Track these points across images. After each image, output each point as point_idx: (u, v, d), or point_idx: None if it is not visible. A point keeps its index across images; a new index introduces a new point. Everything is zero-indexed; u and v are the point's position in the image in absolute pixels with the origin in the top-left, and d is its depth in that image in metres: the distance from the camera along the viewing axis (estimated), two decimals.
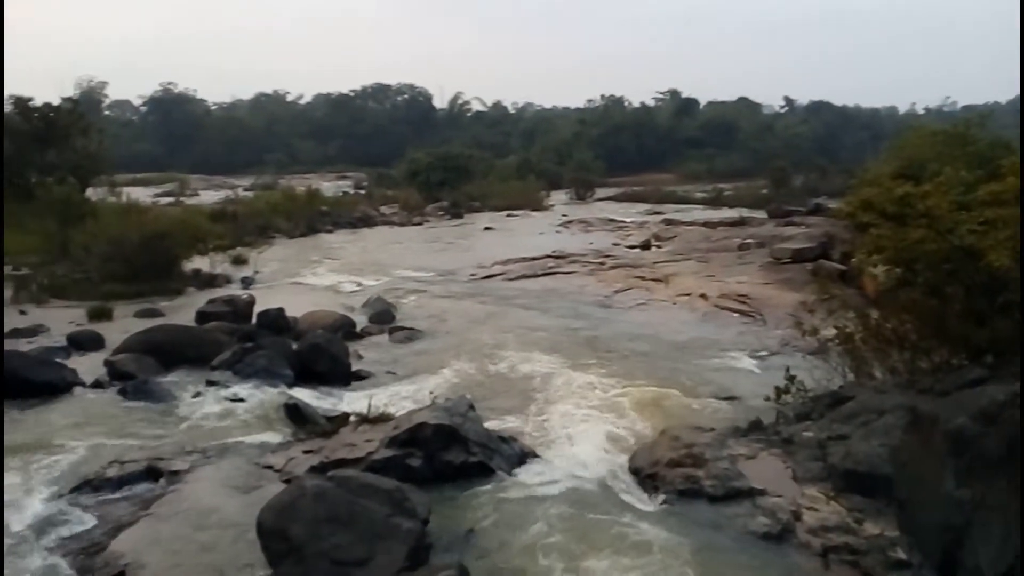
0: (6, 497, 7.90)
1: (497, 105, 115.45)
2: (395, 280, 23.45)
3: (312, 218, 38.31)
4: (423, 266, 25.91)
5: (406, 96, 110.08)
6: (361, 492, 6.45)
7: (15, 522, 7.49)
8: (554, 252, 26.92)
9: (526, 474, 8.60)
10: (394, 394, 11.80)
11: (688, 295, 19.13)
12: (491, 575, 6.40)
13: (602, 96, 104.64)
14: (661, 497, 7.92)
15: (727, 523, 7.29)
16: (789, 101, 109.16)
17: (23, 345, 14.65)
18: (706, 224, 34.41)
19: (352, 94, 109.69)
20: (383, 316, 17.62)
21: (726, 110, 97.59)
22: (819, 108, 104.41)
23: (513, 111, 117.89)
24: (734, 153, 79.36)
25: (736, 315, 17.31)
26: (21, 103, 34.87)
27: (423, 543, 6.35)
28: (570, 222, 40.26)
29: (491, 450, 8.69)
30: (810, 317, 10.93)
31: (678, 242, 29.74)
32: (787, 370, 10.03)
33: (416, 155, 57.43)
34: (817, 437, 8.45)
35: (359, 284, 22.83)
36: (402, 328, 16.51)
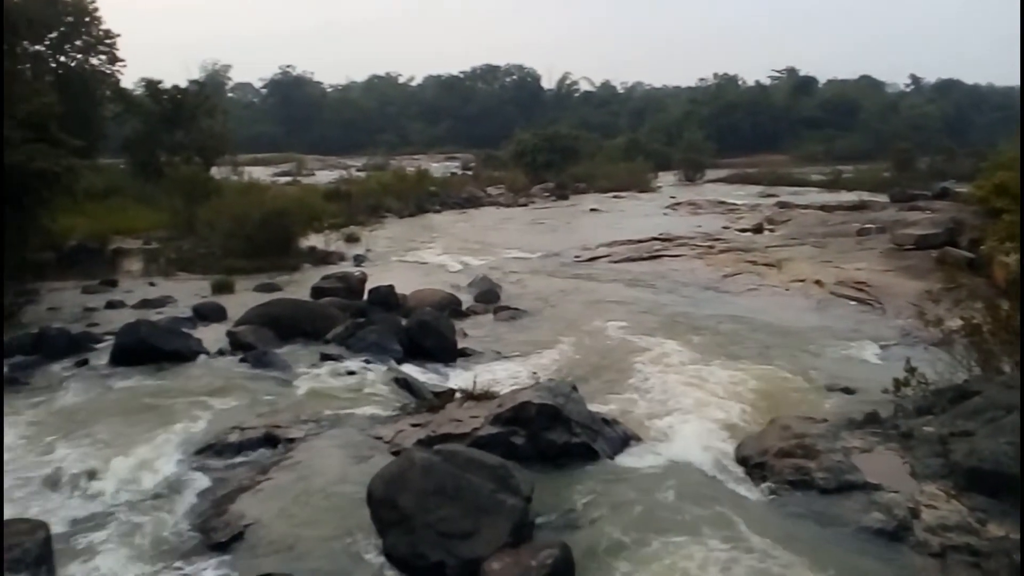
0: (139, 457, 8.47)
1: (605, 85, 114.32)
2: (500, 260, 23.66)
3: (421, 198, 39.07)
4: (528, 247, 26.03)
5: (514, 77, 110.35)
6: (467, 467, 6.57)
7: (145, 481, 8.00)
8: (661, 235, 26.52)
9: (629, 458, 8.54)
10: (498, 372, 11.94)
11: (802, 281, 18.50)
12: (593, 556, 6.39)
13: (715, 75, 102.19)
14: (769, 487, 7.72)
15: (839, 517, 7.03)
16: (915, 79, 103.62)
17: (153, 315, 15.59)
18: (823, 208, 33.14)
19: (462, 76, 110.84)
20: (488, 295, 17.82)
21: (847, 88, 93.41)
22: (948, 87, 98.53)
23: (622, 91, 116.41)
24: (855, 134, 75.94)
25: (853, 303, 16.62)
26: (151, 86, 36.90)
27: (526, 520, 6.42)
28: (678, 204, 39.57)
29: (594, 432, 8.67)
30: (934, 307, 10.38)
31: (792, 226, 28.74)
32: (907, 361, 9.55)
33: (523, 136, 57.57)
34: (938, 432, 8.03)
35: (465, 263, 23.17)
36: (507, 308, 16.66)
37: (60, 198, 19.07)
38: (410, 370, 11.85)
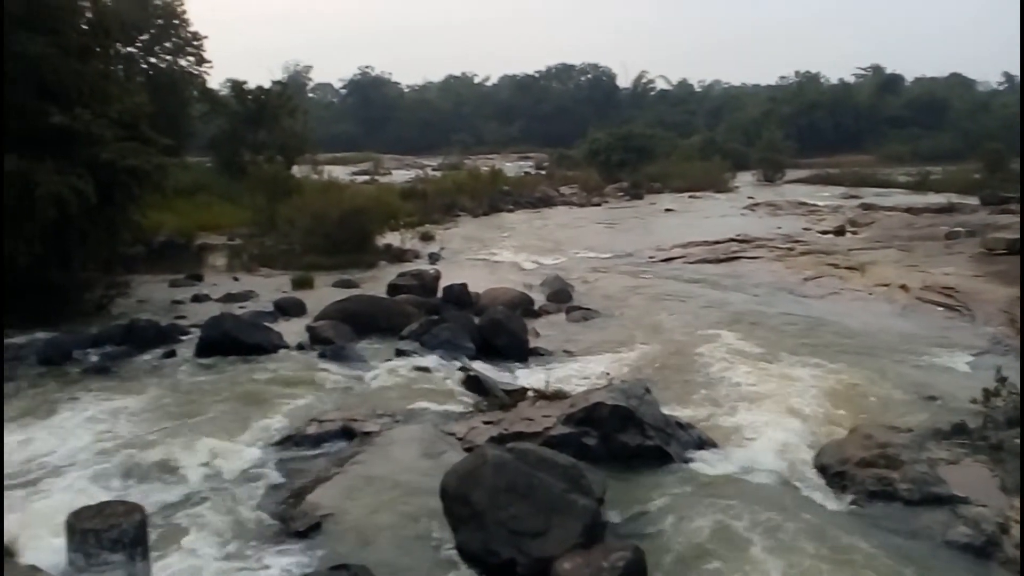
0: (222, 445, 8.76)
1: (682, 83, 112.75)
2: (573, 260, 23.60)
3: (494, 197, 39.27)
4: (601, 247, 25.89)
5: (589, 76, 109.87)
6: (539, 466, 6.58)
7: (227, 470, 8.27)
8: (738, 236, 26.03)
9: (703, 462, 8.42)
10: (570, 372, 11.92)
11: (886, 285, 17.90)
12: (666, 561, 6.33)
13: (796, 72, 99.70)
14: (850, 497, 7.50)
15: (923, 530, 6.79)
16: (1009, 77, 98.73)
17: (236, 309, 16.11)
18: (909, 210, 32.01)
19: (537, 75, 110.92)
20: (560, 295, 17.80)
21: (935, 87, 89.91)
22: None
23: (699, 89, 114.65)
24: (942, 133, 72.97)
25: (940, 309, 15.99)
26: (237, 86, 38.07)
27: (598, 521, 6.39)
28: (756, 205, 38.78)
29: (668, 435, 8.58)
30: None
31: (876, 228, 27.83)
32: (998, 371, 9.13)
33: (597, 135, 57.26)
34: None
35: (537, 263, 23.19)
36: (579, 308, 16.61)
37: (150, 194, 19.82)
38: (482, 368, 11.93)
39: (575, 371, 11.99)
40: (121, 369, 12.06)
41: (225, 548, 6.55)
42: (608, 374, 11.10)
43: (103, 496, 7.24)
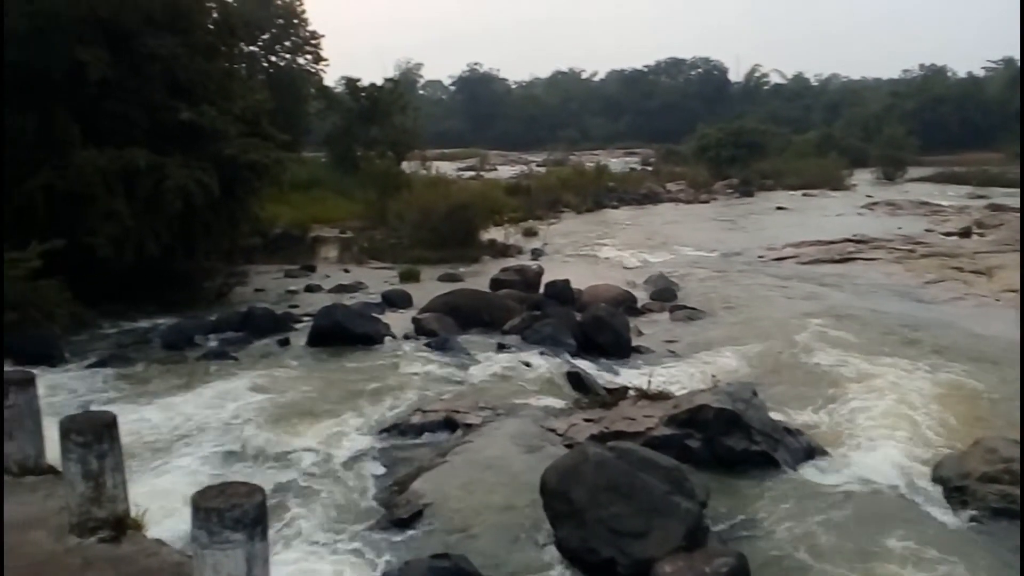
0: (331, 431, 9.06)
1: (798, 77, 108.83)
2: (678, 258, 23.20)
3: (599, 193, 39.04)
4: (708, 245, 25.35)
5: (700, 70, 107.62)
6: (641, 466, 6.50)
7: (336, 455, 8.54)
8: (855, 236, 24.99)
9: (812, 471, 8.13)
10: (673, 372, 11.73)
11: (1015, 291, 16.79)
12: (769, 571, 6.14)
13: (920, 66, 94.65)
14: (970, 513, 7.09)
15: None
16: None
17: (346, 299, 16.62)
18: None
19: (645, 70, 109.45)
20: (665, 293, 17.54)
21: None
22: None
23: (815, 83, 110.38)
24: None
25: None
26: (351, 84, 39.18)
27: (701, 525, 6.26)
28: (875, 204, 37.12)
29: (775, 440, 8.32)
30: None
31: (1005, 231, 26.15)
32: None
33: (706, 131, 56.03)
34: None
35: (642, 260, 22.91)
36: (684, 307, 16.32)
37: (268, 188, 20.70)
38: (583, 365, 11.88)
39: (678, 371, 11.79)
40: (239, 354, 12.62)
41: (332, 531, 6.77)
42: (713, 376, 10.84)
43: (219, 474, 7.65)
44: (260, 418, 9.42)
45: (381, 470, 8.20)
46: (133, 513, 2.81)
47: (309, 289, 18.83)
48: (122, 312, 15.37)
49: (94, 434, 2.70)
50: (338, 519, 6.97)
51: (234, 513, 2.00)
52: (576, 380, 10.78)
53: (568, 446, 8.09)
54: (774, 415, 8.93)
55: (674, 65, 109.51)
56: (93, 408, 8.78)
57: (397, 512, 6.99)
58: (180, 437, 8.78)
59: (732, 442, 8.09)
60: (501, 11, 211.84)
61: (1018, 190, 42.86)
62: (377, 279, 19.63)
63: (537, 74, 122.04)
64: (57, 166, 15.28)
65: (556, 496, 6.43)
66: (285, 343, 13.34)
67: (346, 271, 21.55)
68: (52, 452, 3.59)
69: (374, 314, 14.76)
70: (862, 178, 51.17)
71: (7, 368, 4.12)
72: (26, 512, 2.96)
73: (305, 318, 14.73)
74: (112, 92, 16.38)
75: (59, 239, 13.24)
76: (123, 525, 2.73)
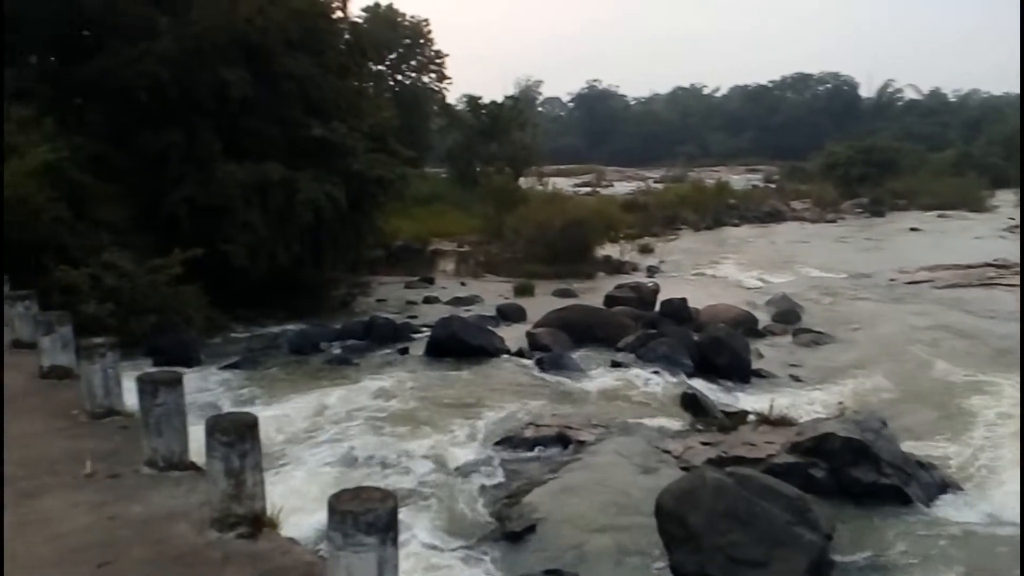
0: (446, 441, 9.22)
1: (934, 93, 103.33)
2: (802, 279, 22.40)
3: (719, 211, 38.27)
4: (835, 266, 24.35)
5: (828, 85, 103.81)
6: (762, 494, 6.29)
7: (450, 463, 8.67)
8: (996, 260, 23.40)
9: (946, 508, 7.64)
10: (796, 398, 11.30)
11: None
12: None
13: None
14: None
15: None
16: None
17: (462, 312, 16.91)
18: None
19: (770, 85, 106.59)
20: (788, 316, 16.95)
21: None
22: None
23: (953, 99, 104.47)
24: None
25: None
26: (472, 101, 40.05)
27: (825, 559, 6.00)
28: (1018, 227, 34.67)
29: (906, 474, 7.87)
30: None
31: None
32: None
33: (835, 148, 53.92)
34: None
35: (763, 280, 22.25)
36: (808, 330, 15.72)
37: (392, 202, 21.39)
38: (700, 386, 11.62)
39: (802, 397, 11.35)
40: (361, 361, 13.05)
41: (446, 538, 6.87)
42: (840, 403, 10.38)
43: (340, 475, 7.91)
44: (380, 423, 9.69)
45: (494, 481, 8.26)
46: (268, 511, 2.95)
47: (428, 301, 19.27)
48: (253, 318, 16.18)
49: (237, 434, 2.85)
50: (452, 528, 7.07)
51: (368, 517, 2.06)
52: (693, 402, 10.54)
53: (684, 469, 7.93)
54: (904, 446, 8.45)
55: (801, 80, 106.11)
56: (223, 407, 9.30)
57: (510, 525, 7.02)
58: (305, 438, 9.14)
59: (860, 473, 7.71)
60: (622, 29, 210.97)
61: None
62: (492, 292, 19.88)
63: (657, 90, 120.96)
64: (200, 180, 16.28)
65: (672, 519, 6.31)
66: (404, 352, 13.70)
67: (463, 284, 21.94)
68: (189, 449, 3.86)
69: (489, 327, 14.94)
70: (1004, 199, 47.92)
71: (155, 369, 4.43)
72: (171, 505, 3.16)
73: (424, 329, 15.07)
74: (251, 110, 17.36)
75: (199, 248, 14.10)
76: (260, 522, 2.86)
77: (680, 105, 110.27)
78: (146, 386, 3.42)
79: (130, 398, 4.17)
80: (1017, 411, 10.27)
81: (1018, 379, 11.71)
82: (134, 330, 12.09)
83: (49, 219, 12.99)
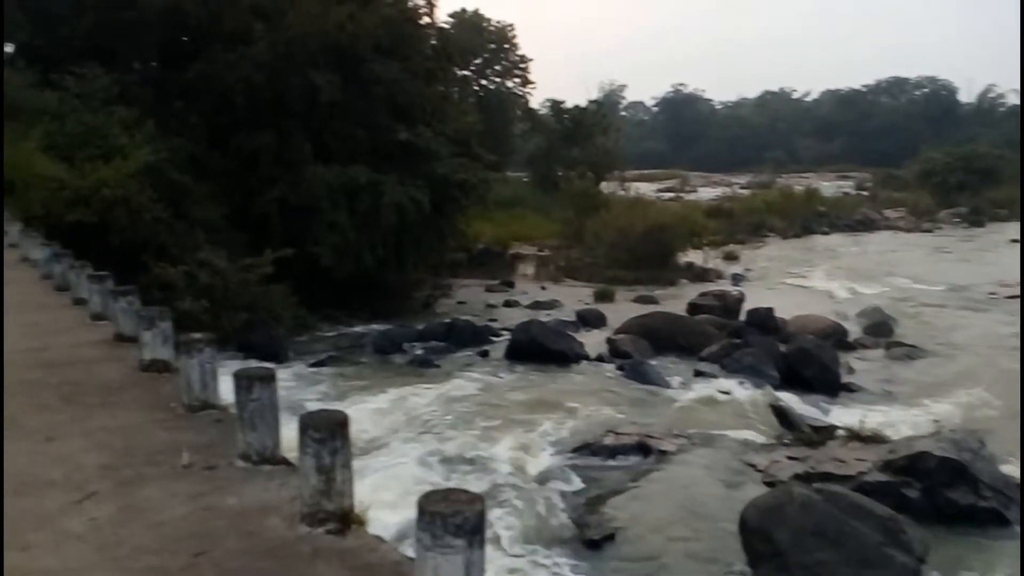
0: (525, 445, 9.22)
1: None
2: (895, 291, 21.57)
3: (808, 219, 37.29)
4: (930, 278, 23.36)
5: (925, 90, 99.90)
6: (851, 512, 6.07)
7: (529, 468, 8.68)
8: None
9: None
10: (888, 414, 10.86)
11: None
12: None
13: None
14: None
15: None
16: None
17: (542, 316, 16.91)
18: None
19: (864, 89, 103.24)
20: (880, 328, 16.34)
21: None
22: None
23: None
24: None
25: None
26: (555, 106, 40.11)
27: None
28: None
29: (1007, 498, 7.48)
30: None
31: None
32: None
33: (932, 154, 51.86)
34: None
35: (853, 291, 21.51)
36: (901, 344, 15.12)
37: (474, 206, 21.61)
38: (787, 398, 11.29)
39: (894, 413, 10.90)
40: (442, 363, 13.20)
41: (525, 542, 6.87)
42: (935, 421, 9.94)
43: (422, 474, 8.02)
44: (459, 425, 9.78)
45: (573, 488, 8.21)
46: (357, 508, 3.00)
47: (508, 304, 19.36)
48: (339, 317, 16.57)
49: (329, 431, 2.90)
50: (531, 532, 7.06)
51: (456, 519, 2.07)
52: (779, 414, 10.27)
53: (769, 483, 7.73)
54: (1005, 468, 8.03)
55: (896, 84, 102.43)
56: (309, 404, 9.52)
57: (589, 532, 6.97)
58: (388, 436, 9.29)
59: (956, 495, 7.36)
60: (708, 32, 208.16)
61: None
62: (572, 297, 19.82)
63: (745, 94, 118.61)
64: (290, 181, 16.78)
65: (756, 535, 6.15)
66: (485, 355, 13.80)
67: (543, 288, 21.96)
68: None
69: (569, 332, 14.89)
70: None
71: (250, 365, 4.57)
72: (263, 499, 3.24)
73: (504, 332, 15.14)
74: (340, 113, 17.82)
75: (288, 248, 14.53)
76: (348, 519, 2.90)
77: (769, 109, 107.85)
78: (242, 381, 3.52)
79: (225, 392, 4.32)
80: None
81: None
82: (226, 326, 12.52)
83: (150, 218, 13.59)
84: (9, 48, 19.73)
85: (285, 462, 3.57)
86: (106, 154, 14.05)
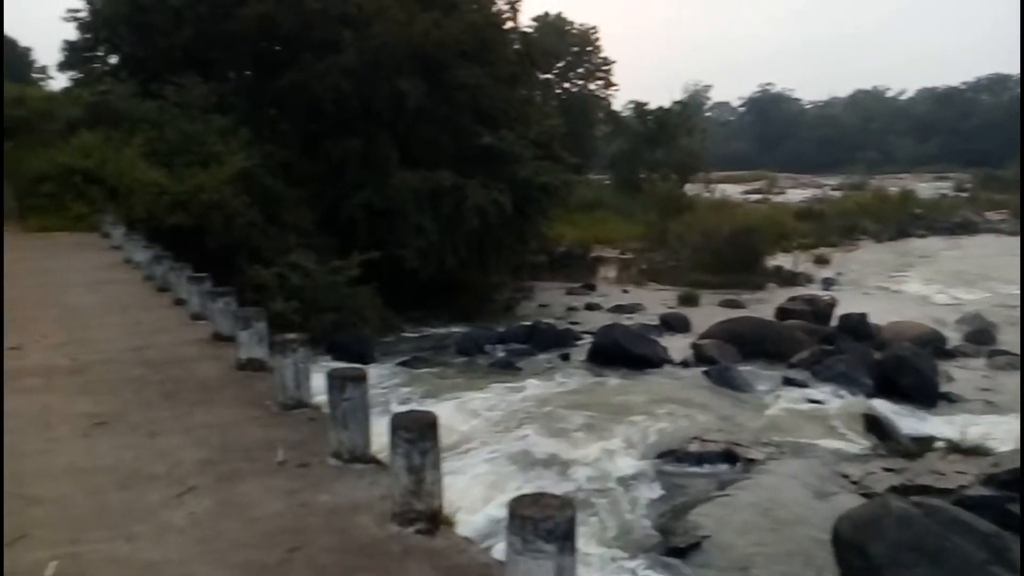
0: (606, 449, 9.13)
1: None
2: (997, 296, 20.53)
3: (903, 221, 35.89)
4: None
5: None
6: (952, 527, 5.79)
7: (611, 472, 8.59)
8: None
9: None
10: (991, 426, 10.32)
11: None
12: None
13: None
14: None
15: None
16: None
17: (624, 320, 16.77)
18: None
19: (963, 87, 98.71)
20: (981, 336, 15.59)
21: None
22: None
23: None
24: None
25: None
26: (639, 107, 39.73)
27: None
28: None
29: None
30: None
31: None
32: None
33: None
34: None
35: (953, 297, 20.60)
36: (1004, 352, 14.38)
37: (555, 208, 21.60)
38: (881, 408, 10.87)
39: (997, 425, 10.34)
40: (523, 365, 13.23)
41: (607, 548, 6.80)
42: None
43: (504, 476, 8.05)
44: (541, 427, 9.76)
45: (657, 494, 8.10)
46: (447, 509, 3.03)
47: (589, 307, 19.27)
48: (422, 319, 16.81)
49: (419, 431, 2.94)
50: (614, 538, 7.00)
51: (547, 524, 2.06)
52: (874, 424, 9.91)
53: (864, 495, 7.47)
54: None
55: (998, 81, 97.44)
56: (393, 405, 9.68)
57: (674, 540, 6.86)
58: (470, 438, 9.35)
59: None
60: (797, 29, 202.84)
61: None
62: (655, 301, 19.58)
63: (835, 93, 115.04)
64: (376, 186, 17.13)
65: (850, 548, 5.93)
66: (566, 358, 13.76)
67: (625, 291, 21.77)
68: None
69: (652, 336, 14.72)
70: None
71: (341, 365, 4.68)
72: (354, 497, 3.30)
73: (585, 335, 15.07)
74: (425, 119, 18.09)
75: (375, 251, 14.82)
76: (437, 520, 2.93)
77: (861, 108, 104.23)
78: (335, 381, 3.60)
79: (316, 391, 4.44)
80: None
81: None
82: (315, 327, 12.85)
83: (244, 222, 14.07)
84: (113, 59, 20.84)
85: (375, 461, 3.63)
86: (203, 160, 14.65)
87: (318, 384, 4.22)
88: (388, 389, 11.38)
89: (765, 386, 11.85)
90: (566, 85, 39.71)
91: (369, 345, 13.65)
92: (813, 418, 10.37)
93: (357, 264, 14.24)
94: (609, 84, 40.74)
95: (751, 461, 8.68)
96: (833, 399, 11.06)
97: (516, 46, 22.04)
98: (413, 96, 17.19)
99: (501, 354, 14.12)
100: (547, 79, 37.41)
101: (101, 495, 3.44)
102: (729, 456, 8.89)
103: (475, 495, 6.84)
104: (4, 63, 16.35)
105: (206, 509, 3.28)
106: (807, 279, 23.40)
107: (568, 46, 39.32)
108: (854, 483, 8.02)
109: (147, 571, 2.79)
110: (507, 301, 19.95)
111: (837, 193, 47.01)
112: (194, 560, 2.87)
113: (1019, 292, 16.98)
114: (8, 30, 42.61)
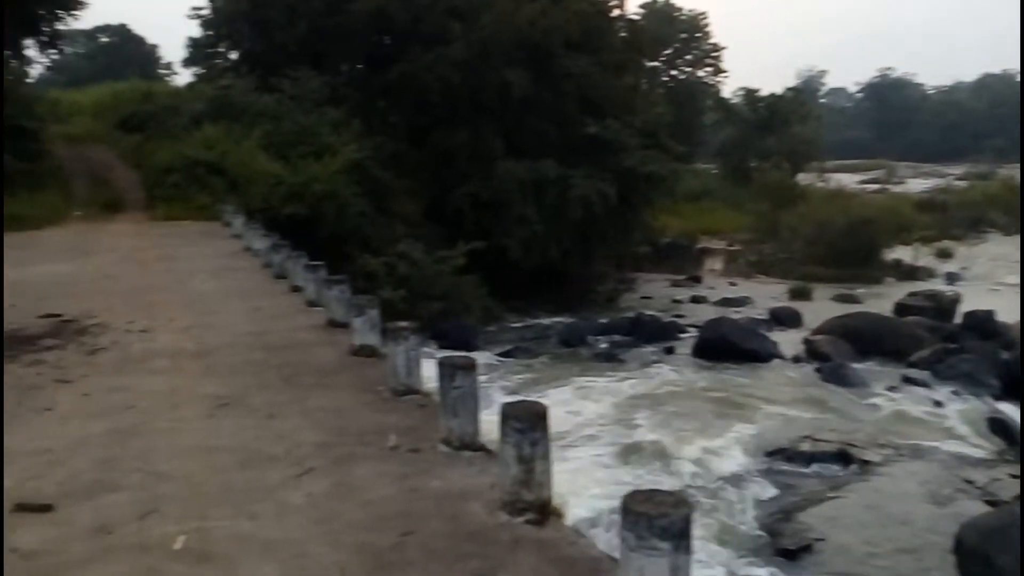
0: (713, 445, 8.96)
1: None
2: None
3: None
4: None
5: None
6: None
7: (718, 470, 8.42)
8: None
9: None
10: None
11: None
12: None
13: None
14: None
15: None
16: None
17: (731, 313, 16.34)
18: None
19: None
20: None
21: None
22: None
23: None
24: None
25: None
26: (749, 94, 38.58)
27: None
28: None
29: None
30: None
31: None
32: None
33: None
34: None
35: None
36: None
37: (661, 198, 21.26)
38: (1009, 410, 10.23)
39: None
40: (626, 357, 13.12)
41: (713, 547, 6.68)
42: None
43: (610, 470, 8.02)
44: (646, 421, 9.67)
45: (765, 494, 7.89)
46: (556, 501, 3.04)
47: (694, 300, 18.91)
48: (525, 309, 16.89)
49: (530, 422, 2.96)
50: (721, 537, 6.86)
51: (662, 522, 2.03)
52: (1000, 428, 9.35)
53: (989, 503, 7.06)
54: None
55: None
56: (496, 394, 9.77)
57: (783, 542, 6.67)
58: (574, 429, 9.35)
59: None
60: (920, 12, 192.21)
61: None
62: (764, 294, 19.02)
63: (961, 78, 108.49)
64: (482, 176, 17.29)
65: (974, 557, 5.62)
66: (670, 351, 13.56)
67: (732, 284, 21.24)
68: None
69: (761, 331, 14.32)
70: None
71: (453, 353, 4.78)
72: (464, 484, 3.35)
73: (690, 328, 14.81)
74: (531, 109, 18.12)
75: (480, 241, 14.97)
76: (547, 510, 2.95)
77: (989, 93, 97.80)
78: (445, 369, 3.66)
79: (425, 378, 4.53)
80: None
81: None
82: (421, 315, 13.10)
83: (355, 212, 14.47)
84: (234, 55, 21.80)
85: (484, 449, 3.67)
86: (317, 152, 15.14)
87: (427, 371, 4.30)
88: (491, 378, 11.50)
89: (882, 385, 11.35)
90: (674, 72, 38.98)
91: (473, 333, 13.81)
92: (934, 419, 9.88)
93: (463, 254, 14.41)
94: (718, 71, 39.78)
95: (866, 463, 8.34)
96: (956, 400, 10.51)
97: (623, 34, 21.78)
98: (519, 86, 17.25)
99: (604, 346, 14.04)
100: (654, 67, 36.81)
101: (225, 473, 3.60)
102: (843, 457, 8.56)
103: (578, 487, 6.82)
104: (3, 65, 16.78)
105: (323, 490, 3.40)
106: (928, 274, 22.24)
107: (676, 32, 38.56)
108: (978, 489, 7.60)
109: (268, 549, 2.91)
110: (610, 292, 19.80)
111: (962, 183, 44.35)
112: (312, 540, 2.97)
113: None
114: (136, 28, 45.32)
